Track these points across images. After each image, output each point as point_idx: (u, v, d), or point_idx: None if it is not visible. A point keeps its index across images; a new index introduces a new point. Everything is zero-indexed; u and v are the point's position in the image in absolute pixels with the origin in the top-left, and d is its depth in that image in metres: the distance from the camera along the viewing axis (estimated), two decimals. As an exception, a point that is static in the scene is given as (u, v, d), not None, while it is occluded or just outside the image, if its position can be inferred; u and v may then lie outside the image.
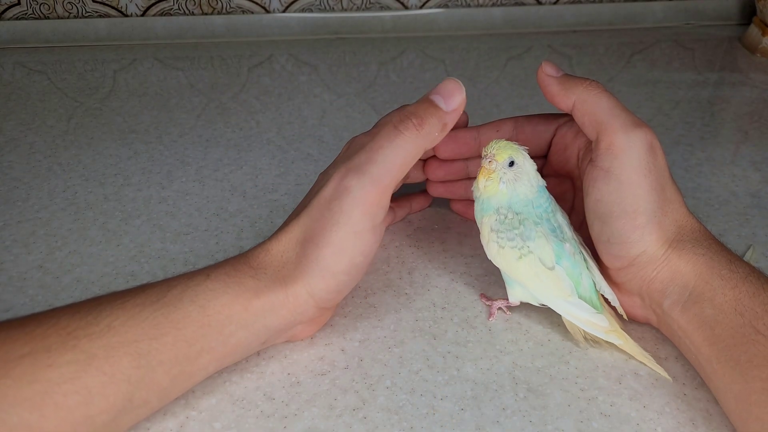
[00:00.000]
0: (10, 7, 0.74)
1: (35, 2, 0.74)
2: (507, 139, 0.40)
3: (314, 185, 0.35)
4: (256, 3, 0.76)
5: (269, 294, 0.31)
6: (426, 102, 0.33)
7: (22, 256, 0.42)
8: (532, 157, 0.35)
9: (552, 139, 0.39)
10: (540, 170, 0.35)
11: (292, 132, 0.57)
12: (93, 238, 0.43)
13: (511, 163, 0.34)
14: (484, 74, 0.67)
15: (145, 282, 0.39)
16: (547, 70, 0.34)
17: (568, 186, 0.40)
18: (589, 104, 0.33)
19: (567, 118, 0.38)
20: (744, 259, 0.40)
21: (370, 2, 0.76)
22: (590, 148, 0.35)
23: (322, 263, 0.31)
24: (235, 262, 0.32)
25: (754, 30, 0.71)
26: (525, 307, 0.37)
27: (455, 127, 0.40)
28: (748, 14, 0.78)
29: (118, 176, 0.50)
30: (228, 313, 0.30)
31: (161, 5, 0.75)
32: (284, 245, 0.32)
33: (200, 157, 0.53)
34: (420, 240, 0.43)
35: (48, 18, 0.75)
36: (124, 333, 0.27)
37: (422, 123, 0.32)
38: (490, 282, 0.39)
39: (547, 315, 0.36)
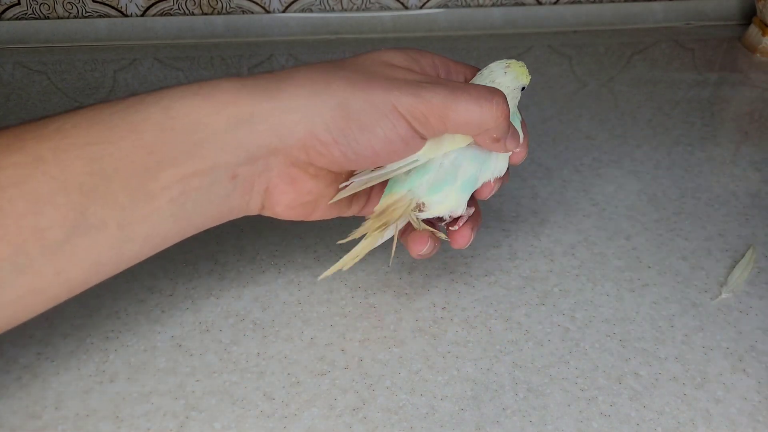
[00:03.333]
0: (10, 7, 0.74)
1: (35, 2, 0.74)
2: None
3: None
4: (256, 3, 0.76)
5: (250, 100, 0.27)
6: (513, 129, 0.33)
7: (22, 256, 0.42)
8: None
9: None
10: None
11: (292, 132, 0.57)
12: (93, 238, 0.43)
13: None
14: (484, 74, 0.67)
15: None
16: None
17: None
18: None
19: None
20: (744, 259, 0.40)
21: (370, 2, 0.76)
22: None
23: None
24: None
25: (754, 30, 0.71)
26: (525, 306, 0.37)
27: None
28: (748, 14, 0.78)
29: (118, 176, 0.50)
30: (196, 117, 0.26)
31: (161, 5, 0.75)
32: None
33: (200, 157, 0.53)
34: (420, 240, 0.43)
35: (48, 18, 0.75)
36: (75, 135, 0.25)
37: (498, 133, 0.31)
38: (490, 282, 0.39)
39: (548, 315, 0.36)
